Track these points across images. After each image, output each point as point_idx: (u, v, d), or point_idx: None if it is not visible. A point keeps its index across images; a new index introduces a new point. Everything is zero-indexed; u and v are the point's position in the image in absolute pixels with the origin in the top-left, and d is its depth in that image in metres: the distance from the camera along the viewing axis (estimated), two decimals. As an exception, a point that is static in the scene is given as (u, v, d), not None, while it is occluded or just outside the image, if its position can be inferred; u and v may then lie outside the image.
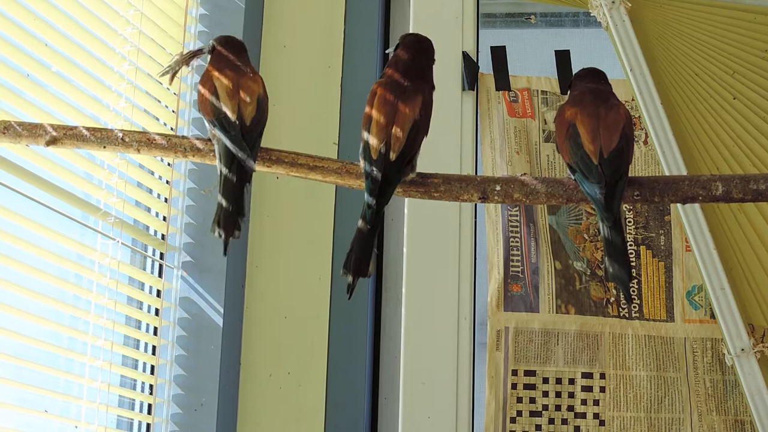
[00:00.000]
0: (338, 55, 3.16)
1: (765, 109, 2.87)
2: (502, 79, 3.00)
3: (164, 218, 2.87)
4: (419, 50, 2.07)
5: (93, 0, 2.58)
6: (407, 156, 1.92)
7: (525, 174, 1.96)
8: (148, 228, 2.83)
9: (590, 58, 3.11)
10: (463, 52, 2.97)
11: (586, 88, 2.03)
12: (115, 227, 2.59)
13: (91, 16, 2.58)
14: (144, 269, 2.82)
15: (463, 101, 2.94)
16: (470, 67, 2.96)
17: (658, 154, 2.81)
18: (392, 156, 1.90)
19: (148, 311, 2.82)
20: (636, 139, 2.96)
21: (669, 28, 2.93)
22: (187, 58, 2.14)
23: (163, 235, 2.87)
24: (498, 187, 1.93)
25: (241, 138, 1.92)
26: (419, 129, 1.94)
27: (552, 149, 2.95)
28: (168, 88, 2.89)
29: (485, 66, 3.03)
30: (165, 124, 2.90)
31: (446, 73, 2.94)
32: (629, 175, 1.91)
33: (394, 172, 1.91)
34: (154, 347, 2.81)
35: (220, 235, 1.90)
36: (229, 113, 1.94)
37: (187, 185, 2.91)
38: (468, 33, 3.00)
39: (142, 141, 1.99)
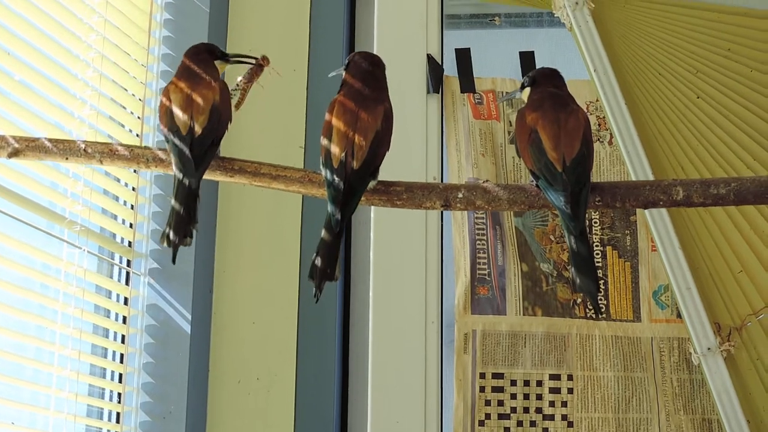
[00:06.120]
0: (303, 59, 3.15)
1: (728, 108, 2.88)
2: (466, 82, 3.00)
3: (130, 225, 2.86)
4: (373, 63, 2.06)
5: (56, 6, 2.57)
6: (371, 166, 1.91)
7: (487, 181, 1.96)
8: (114, 235, 2.82)
9: (555, 59, 3.11)
10: (427, 54, 2.97)
11: (545, 93, 2.02)
12: (81, 236, 2.58)
13: (54, 23, 2.56)
14: (111, 277, 2.81)
15: (428, 104, 2.94)
16: (435, 69, 2.95)
17: (622, 154, 2.82)
18: (355, 164, 1.89)
19: (116, 319, 2.81)
20: (601, 139, 2.97)
21: (632, 28, 2.94)
22: (248, 79, 2.16)
23: (129, 242, 2.86)
24: (460, 195, 1.93)
25: (187, 153, 1.92)
26: (381, 140, 1.93)
27: (518, 151, 2.96)
28: (133, 95, 2.89)
29: (450, 68, 3.03)
30: (130, 131, 2.89)
31: (411, 76, 2.94)
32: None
33: (357, 180, 1.90)
34: (121, 355, 2.80)
35: (169, 245, 1.91)
36: (180, 127, 1.94)
37: (153, 192, 2.90)
38: (432, 35, 3.00)
39: (104, 152, 1.99)
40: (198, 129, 1.94)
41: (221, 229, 3.02)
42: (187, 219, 1.90)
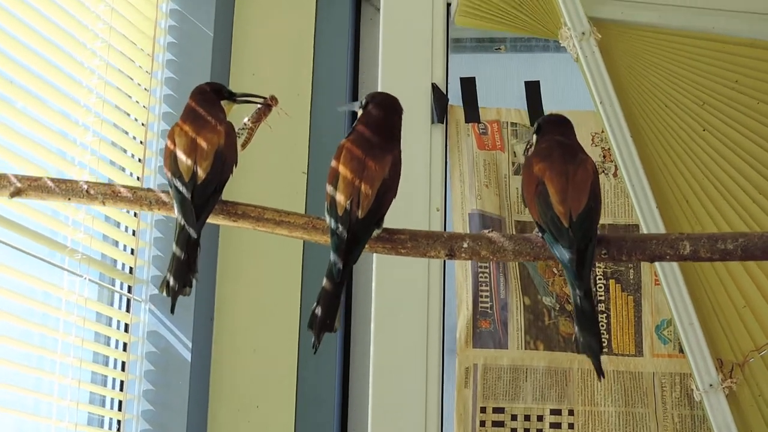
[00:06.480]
0: (307, 83, 3.14)
1: (734, 141, 2.86)
2: (471, 111, 2.97)
3: (132, 251, 2.85)
4: (390, 108, 2.02)
5: (57, 31, 2.55)
6: (376, 215, 1.87)
7: (492, 231, 1.94)
8: (115, 262, 2.81)
9: (561, 87, 3.10)
10: (432, 84, 2.94)
11: (554, 141, 1.97)
12: (82, 263, 2.57)
13: (55, 47, 2.55)
14: (111, 304, 2.80)
15: (432, 134, 2.92)
16: (439, 99, 2.92)
17: (627, 186, 2.80)
18: (360, 214, 1.86)
19: (116, 346, 2.80)
20: (606, 171, 2.95)
21: (639, 58, 2.92)
22: (255, 119, 2.14)
23: (131, 269, 2.85)
24: (465, 244, 1.91)
25: (189, 201, 1.90)
26: (388, 188, 1.90)
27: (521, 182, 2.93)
28: (136, 119, 2.88)
29: (455, 97, 3.00)
30: (132, 156, 2.88)
31: (416, 105, 2.91)
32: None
33: (362, 230, 1.86)
34: (121, 382, 2.79)
35: (168, 295, 1.88)
36: (183, 172, 1.92)
37: (154, 217, 2.89)
38: (437, 65, 2.96)
39: (107, 193, 1.98)
40: (201, 174, 1.91)
41: (222, 257, 3.01)
42: (187, 267, 1.88)
